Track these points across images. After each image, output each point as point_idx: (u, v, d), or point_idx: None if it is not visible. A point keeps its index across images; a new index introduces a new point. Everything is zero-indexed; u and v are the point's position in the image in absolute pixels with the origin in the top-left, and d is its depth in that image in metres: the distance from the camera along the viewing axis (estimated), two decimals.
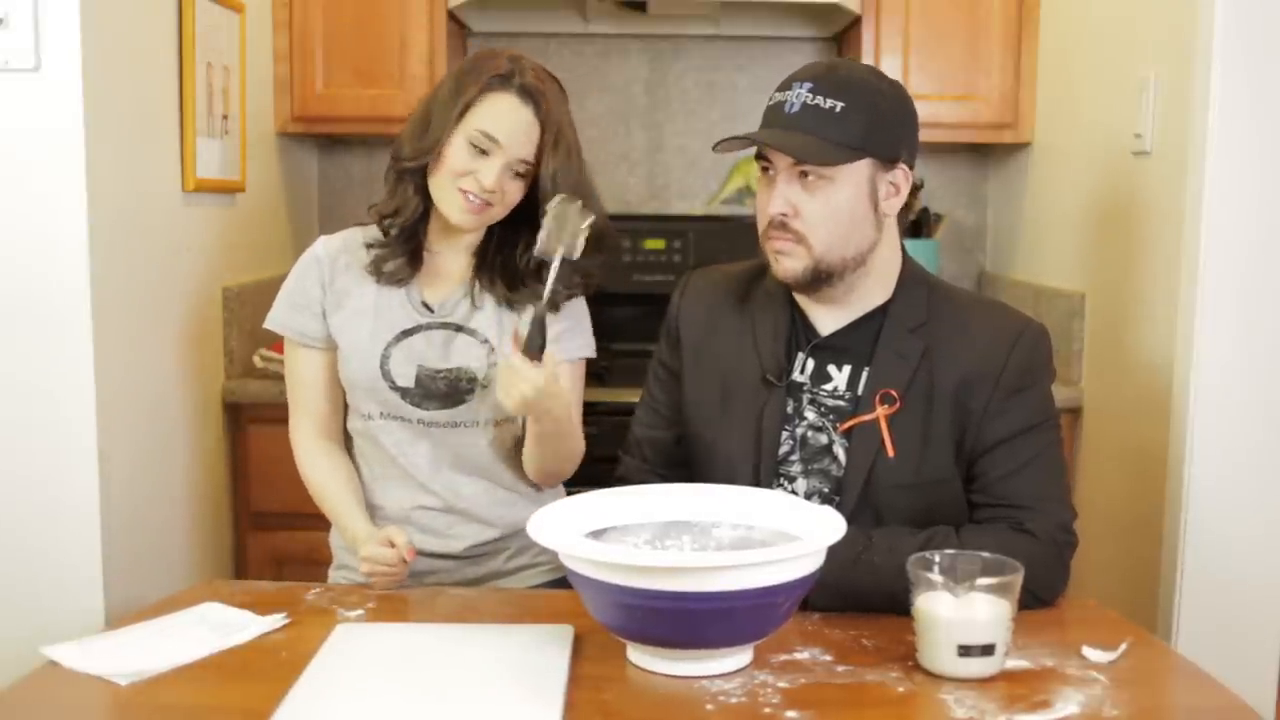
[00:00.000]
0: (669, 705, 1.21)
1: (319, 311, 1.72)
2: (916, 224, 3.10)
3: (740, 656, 1.29)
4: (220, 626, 1.41)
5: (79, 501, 1.86)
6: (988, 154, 3.25)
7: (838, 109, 1.46)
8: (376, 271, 1.71)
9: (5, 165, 1.82)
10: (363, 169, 3.21)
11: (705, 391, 1.61)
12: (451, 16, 2.88)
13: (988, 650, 1.25)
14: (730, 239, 3.13)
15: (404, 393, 1.69)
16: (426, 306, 1.72)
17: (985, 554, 1.32)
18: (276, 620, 1.43)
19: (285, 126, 2.82)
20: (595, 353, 1.83)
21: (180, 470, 2.23)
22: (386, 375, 1.69)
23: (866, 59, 2.84)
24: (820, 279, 1.51)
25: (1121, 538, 2.23)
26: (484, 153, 1.63)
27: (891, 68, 2.83)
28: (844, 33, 3.12)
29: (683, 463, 1.66)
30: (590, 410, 2.65)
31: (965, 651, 1.25)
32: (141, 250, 2.04)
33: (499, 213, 1.68)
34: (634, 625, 1.26)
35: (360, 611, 1.48)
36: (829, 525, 1.30)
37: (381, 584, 1.58)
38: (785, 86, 1.50)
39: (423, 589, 1.66)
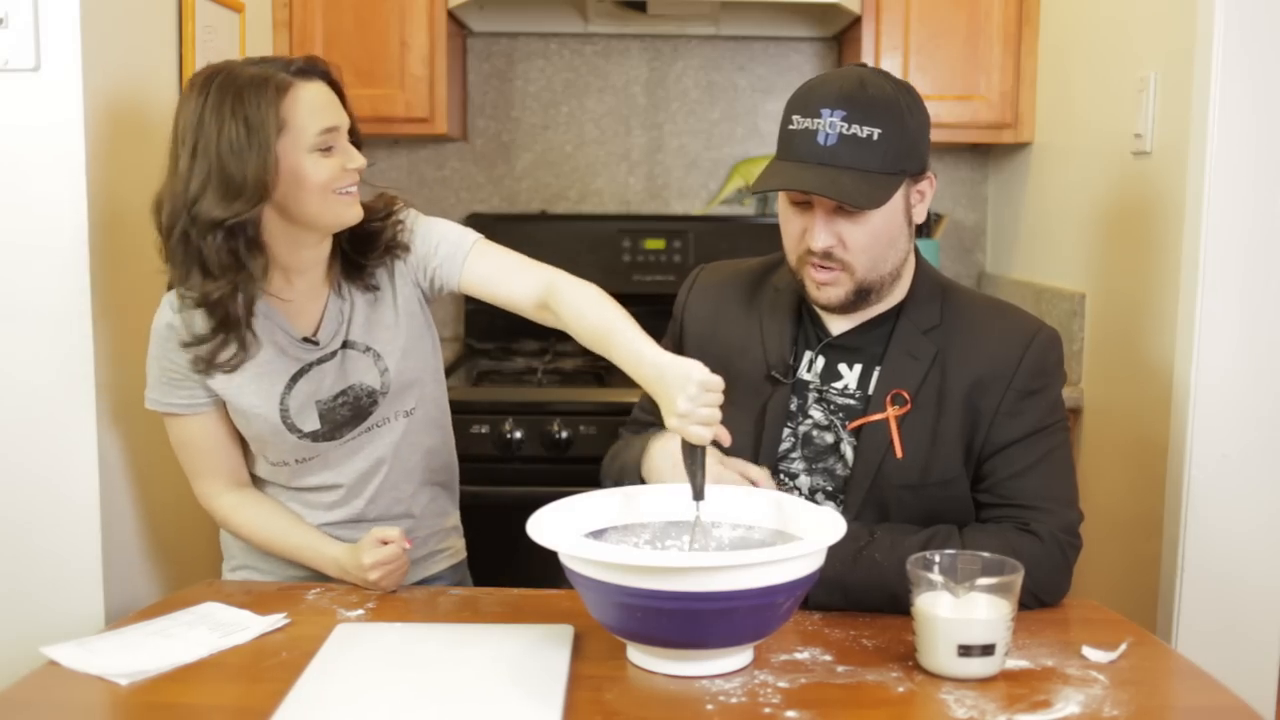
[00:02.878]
0: (669, 705, 1.21)
1: (200, 377, 1.64)
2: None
3: (741, 656, 1.29)
4: (220, 626, 1.41)
5: (79, 501, 1.86)
6: (988, 154, 3.25)
7: (875, 136, 1.43)
8: (207, 370, 1.59)
9: (5, 165, 1.82)
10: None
11: None
12: (451, 16, 2.89)
13: (988, 650, 1.25)
14: (730, 239, 3.13)
15: (314, 435, 1.67)
16: (310, 341, 1.66)
17: (985, 554, 1.32)
18: (276, 620, 1.43)
19: None
20: (473, 231, 1.75)
21: (180, 470, 2.23)
22: (292, 428, 1.65)
23: (866, 59, 2.84)
24: (861, 298, 1.52)
25: (1122, 537, 2.23)
26: (329, 148, 1.58)
27: (891, 68, 2.83)
28: (844, 33, 3.13)
29: None
30: (590, 411, 2.66)
31: (965, 651, 1.25)
32: (141, 250, 2.04)
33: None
34: (634, 625, 1.26)
35: (360, 611, 1.48)
36: (829, 525, 1.30)
37: (390, 582, 1.58)
38: (812, 112, 1.45)
39: (423, 589, 1.66)
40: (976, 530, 1.48)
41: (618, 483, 1.58)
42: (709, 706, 1.20)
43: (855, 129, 1.43)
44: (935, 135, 2.91)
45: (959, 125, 2.88)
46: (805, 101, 1.47)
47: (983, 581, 1.27)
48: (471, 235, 1.73)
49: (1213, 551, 2.01)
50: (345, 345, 1.67)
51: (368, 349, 1.68)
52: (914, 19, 2.83)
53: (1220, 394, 2.00)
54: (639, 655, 1.30)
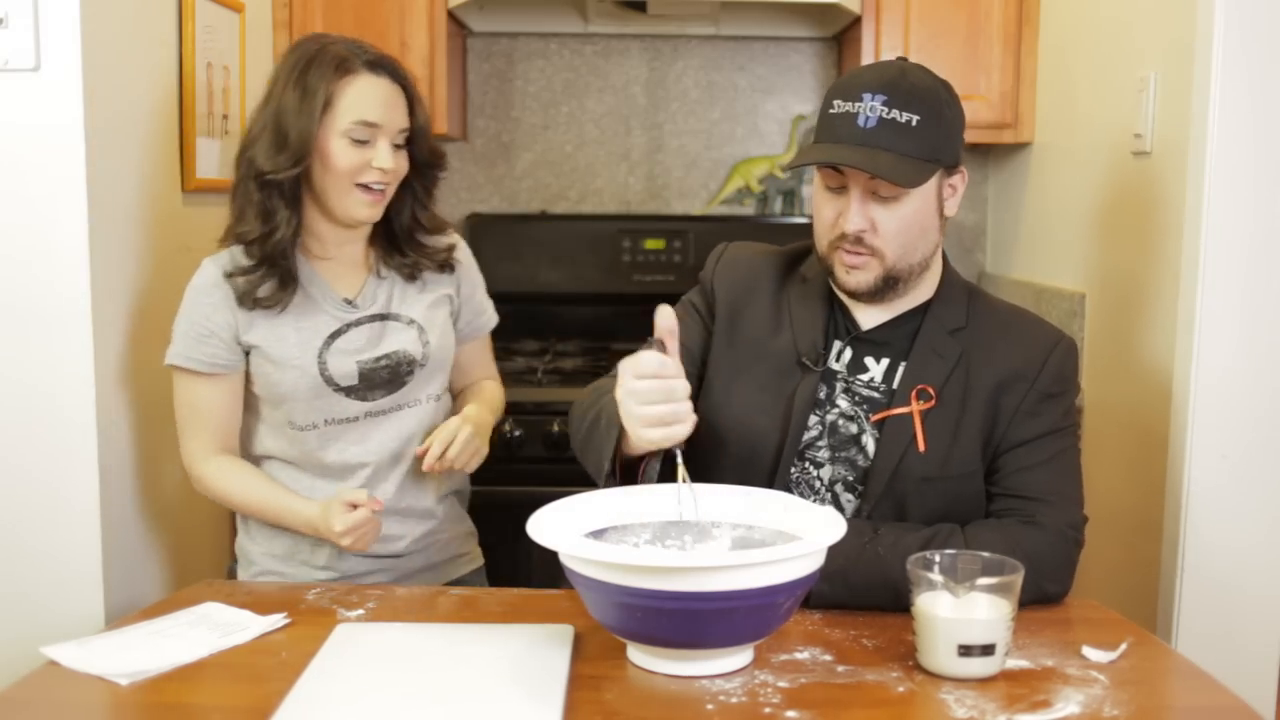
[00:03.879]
0: (669, 705, 1.21)
1: (229, 337, 1.69)
2: None
3: (741, 656, 1.29)
4: (220, 626, 1.41)
5: (79, 501, 1.86)
6: (988, 154, 3.25)
7: (913, 122, 1.45)
8: (248, 301, 1.66)
9: (5, 165, 1.82)
10: None
11: (733, 361, 1.62)
12: (451, 16, 2.89)
13: (988, 650, 1.25)
14: (730, 239, 3.12)
15: (349, 390, 1.71)
16: (349, 302, 1.74)
17: (985, 554, 1.32)
18: (276, 620, 1.43)
19: None
20: (495, 315, 1.95)
21: (180, 470, 2.23)
22: (329, 380, 1.69)
23: (866, 59, 2.84)
24: (888, 287, 1.54)
25: (1122, 537, 2.23)
26: (365, 141, 1.64)
27: None
28: (844, 33, 3.13)
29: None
30: None
31: (965, 651, 1.25)
32: (141, 250, 2.04)
33: (392, 191, 1.70)
34: (634, 625, 1.26)
35: (360, 611, 1.48)
36: (829, 525, 1.30)
37: (362, 545, 1.60)
38: (853, 96, 1.47)
39: (423, 589, 1.66)
40: (979, 526, 1.49)
41: (594, 423, 1.53)
42: (709, 706, 1.20)
43: (895, 113, 1.45)
44: None
45: None
46: (846, 87, 1.49)
47: (983, 581, 1.27)
48: (492, 322, 1.92)
49: (1212, 551, 2.01)
50: (387, 317, 1.74)
51: (411, 321, 1.75)
52: (914, 19, 2.83)
53: (1220, 394, 2.00)
54: (639, 655, 1.30)
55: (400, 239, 1.75)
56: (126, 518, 1.97)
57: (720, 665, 1.27)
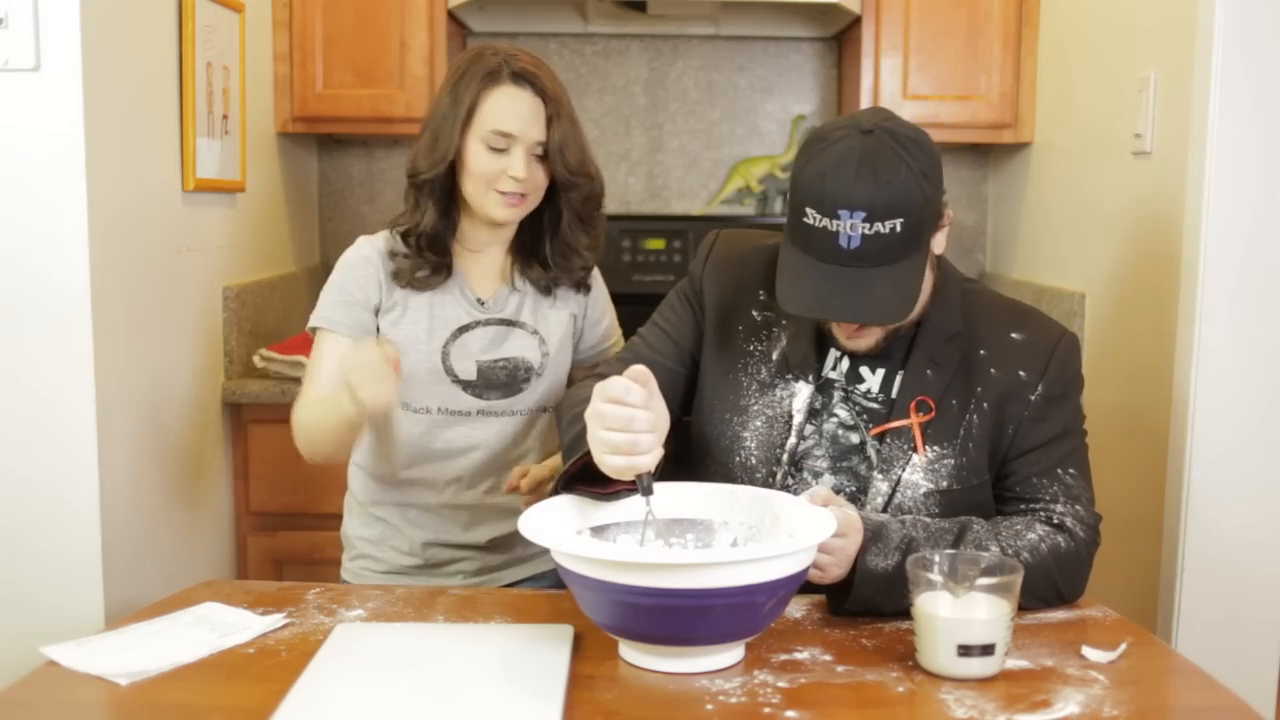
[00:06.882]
0: (669, 705, 1.21)
1: (373, 309, 1.74)
2: None
3: (730, 654, 1.29)
4: (220, 626, 1.41)
5: (79, 501, 1.86)
6: (987, 154, 3.25)
7: (898, 228, 1.37)
8: (404, 279, 1.74)
9: (5, 165, 1.82)
10: (363, 169, 3.22)
11: (722, 366, 1.60)
12: (451, 16, 2.89)
13: (987, 650, 1.25)
14: None
15: (465, 385, 1.76)
16: (480, 302, 1.79)
17: (985, 554, 1.32)
18: (276, 620, 1.43)
19: (285, 126, 2.82)
20: (620, 335, 1.96)
21: (180, 470, 2.23)
22: (449, 370, 1.75)
23: (866, 59, 2.84)
24: (890, 340, 1.52)
25: (1122, 538, 2.23)
26: (502, 149, 1.69)
27: (891, 68, 2.83)
28: (844, 33, 3.13)
29: (681, 410, 1.65)
30: None
31: (965, 651, 1.25)
32: (141, 250, 2.04)
33: (534, 199, 1.75)
34: (614, 619, 1.26)
35: (360, 611, 1.48)
36: (821, 529, 1.29)
37: (380, 397, 1.53)
38: (829, 212, 1.37)
39: (423, 589, 1.66)
40: (1010, 523, 1.48)
41: (579, 436, 1.47)
42: (708, 706, 1.20)
43: (878, 226, 1.37)
44: (936, 135, 2.91)
45: (959, 125, 2.88)
46: (820, 197, 1.38)
47: (982, 581, 1.27)
48: (616, 347, 1.92)
49: (1213, 551, 2.01)
50: (513, 323, 1.80)
51: (535, 331, 1.81)
52: (914, 19, 2.83)
53: (1220, 393, 2.00)
54: (628, 651, 1.30)
55: (551, 254, 1.80)
56: (126, 518, 1.97)
57: (708, 663, 1.27)
